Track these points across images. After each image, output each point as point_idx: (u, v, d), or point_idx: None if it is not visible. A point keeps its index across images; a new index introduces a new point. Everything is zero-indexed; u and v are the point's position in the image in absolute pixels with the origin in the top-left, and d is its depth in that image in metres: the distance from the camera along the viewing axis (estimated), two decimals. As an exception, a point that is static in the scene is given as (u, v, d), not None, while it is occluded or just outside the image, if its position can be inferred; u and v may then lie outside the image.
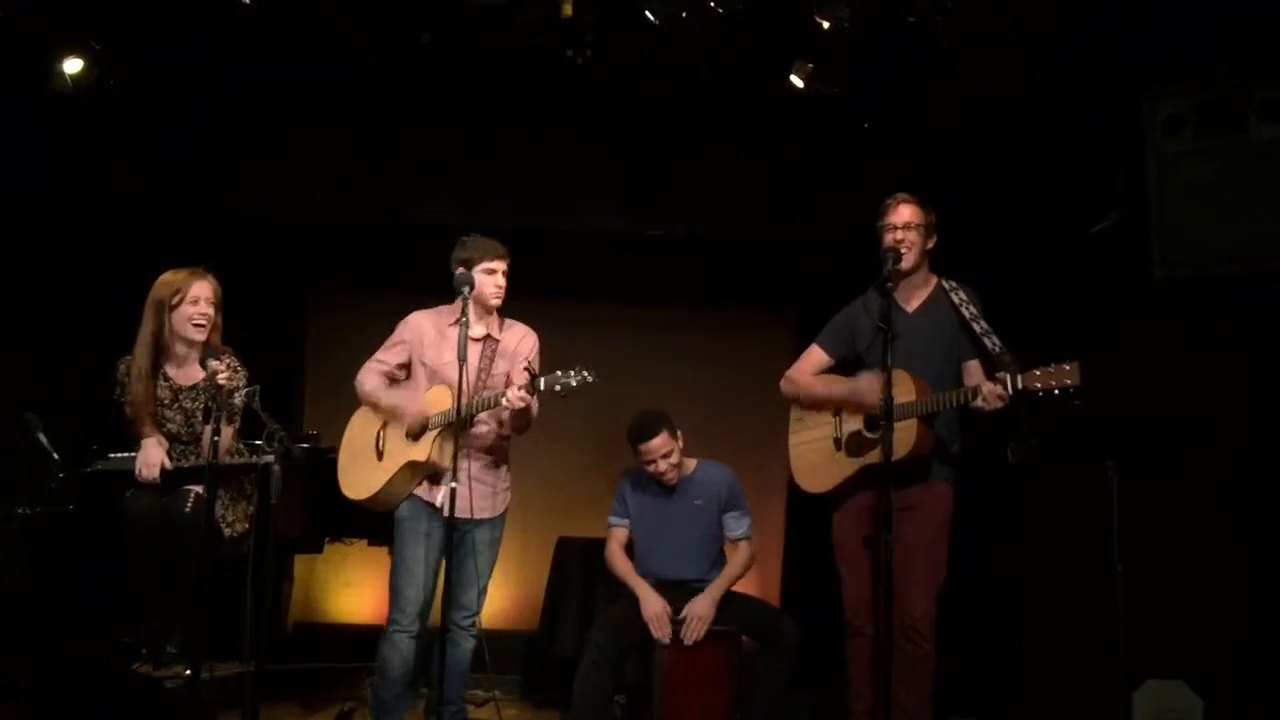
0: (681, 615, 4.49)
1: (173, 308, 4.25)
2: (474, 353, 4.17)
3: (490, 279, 4.19)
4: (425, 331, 4.29)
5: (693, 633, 4.45)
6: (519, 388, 3.99)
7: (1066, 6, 4.50)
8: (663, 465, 4.56)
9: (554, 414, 4.15)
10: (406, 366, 4.34)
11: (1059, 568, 4.87)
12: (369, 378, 4.33)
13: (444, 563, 3.92)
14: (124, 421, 4.32)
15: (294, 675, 5.47)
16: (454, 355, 4.01)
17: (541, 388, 4.01)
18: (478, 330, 4.20)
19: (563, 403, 4.09)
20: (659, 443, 4.53)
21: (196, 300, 4.24)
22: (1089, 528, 4.08)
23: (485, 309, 4.24)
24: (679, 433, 4.62)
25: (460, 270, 4.12)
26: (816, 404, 4.20)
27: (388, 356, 4.34)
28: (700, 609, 4.48)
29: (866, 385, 4.00)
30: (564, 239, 6.17)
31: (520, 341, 4.36)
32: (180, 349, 4.29)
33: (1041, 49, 4.60)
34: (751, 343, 6.58)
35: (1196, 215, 4.35)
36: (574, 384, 4.00)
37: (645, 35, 4.75)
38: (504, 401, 4.01)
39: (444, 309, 4.33)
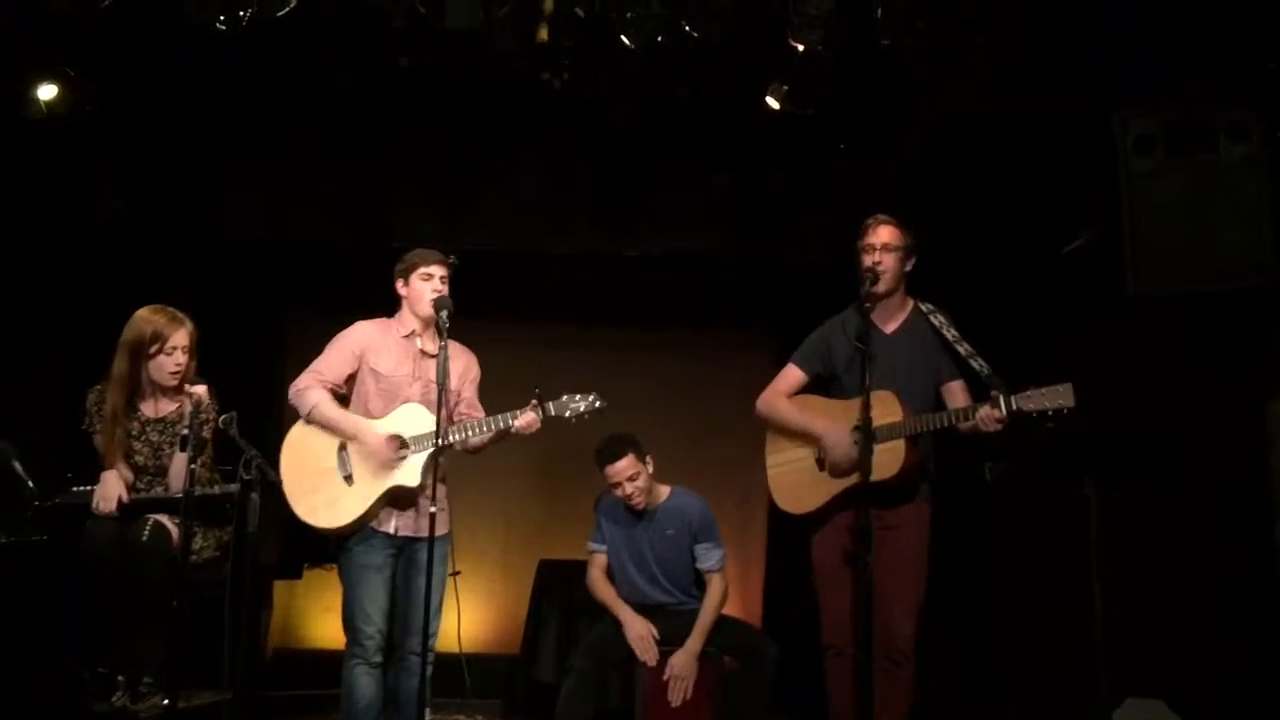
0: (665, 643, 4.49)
1: (151, 355, 4.23)
2: (428, 368, 4.13)
3: (427, 285, 4.14)
4: (374, 340, 4.20)
5: (678, 693, 4.43)
6: (529, 411, 3.96)
7: (1038, 28, 4.54)
8: (629, 488, 4.54)
9: (534, 437, 4.14)
10: (352, 377, 4.20)
11: (1037, 587, 4.88)
12: (319, 395, 4.12)
13: (415, 588, 3.91)
14: (95, 451, 4.29)
15: (273, 702, 5.43)
16: (409, 369, 4.10)
17: (552, 412, 3.99)
18: (431, 347, 4.14)
19: (543, 426, 4.08)
20: (624, 465, 4.51)
21: (174, 350, 4.23)
22: (1067, 546, 4.09)
23: (423, 319, 4.15)
24: (648, 457, 4.59)
25: (435, 295, 4.10)
26: (789, 433, 4.21)
27: (337, 368, 4.17)
28: (682, 669, 4.47)
29: (834, 442, 4.00)
30: (541, 261, 6.18)
31: (469, 362, 4.30)
32: (150, 389, 4.29)
33: (1013, 70, 4.64)
34: (729, 364, 6.60)
35: (1168, 233, 4.38)
36: (583, 409, 4.01)
37: (621, 59, 4.77)
38: (516, 425, 3.98)
39: (386, 320, 4.26)
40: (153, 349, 4.22)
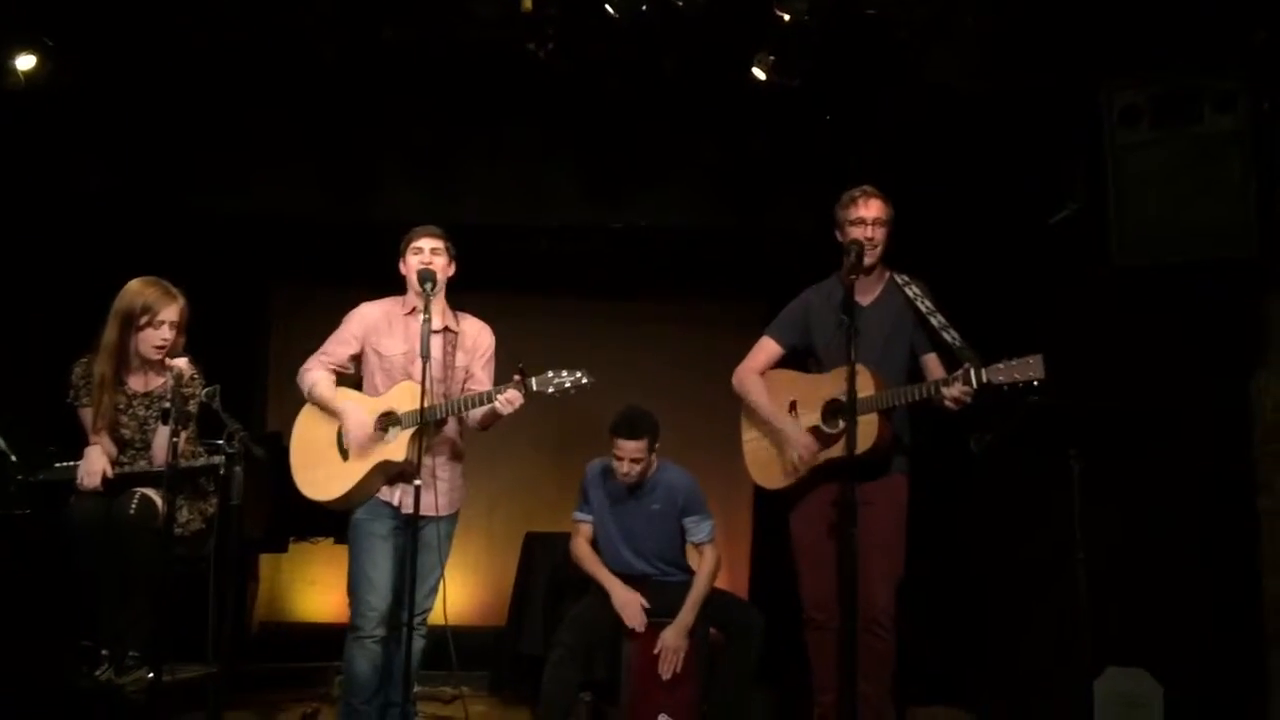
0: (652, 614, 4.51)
1: (139, 327, 4.22)
2: (435, 346, 4.10)
3: (416, 258, 4.15)
4: (376, 321, 4.23)
5: (668, 666, 4.45)
6: (511, 388, 3.92)
7: (1024, -1, 4.53)
8: (627, 466, 4.55)
9: (520, 410, 4.13)
10: (358, 358, 4.26)
11: (1021, 557, 4.90)
12: (317, 376, 4.21)
13: (406, 563, 3.89)
14: (78, 425, 4.28)
15: (259, 676, 5.44)
16: (409, 346, 4.07)
17: (534, 388, 3.95)
18: (436, 323, 4.09)
19: (529, 399, 4.07)
20: (636, 446, 4.51)
21: (162, 325, 4.21)
22: (1051, 517, 4.10)
23: (417, 294, 4.13)
24: (658, 445, 4.59)
25: (419, 267, 4.11)
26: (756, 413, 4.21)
27: (339, 351, 4.25)
28: (673, 641, 4.48)
29: (795, 435, 4.04)
30: (529, 234, 6.15)
31: (479, 335, 4.31)
32: (136, 361, 4.28)
33: (1000, 41, 4.62)
34: (717, 335, 6.57)
35: (1154, 205, 4.37)
36: (568, 385, 3.94)
37: (607, 28, 4.74)
38: (498, 402, 3.95)
39: (392, 299, 4.29)
40: (142, 320, 4.21)
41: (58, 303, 5.36)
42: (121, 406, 4.27)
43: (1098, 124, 4.48)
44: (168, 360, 4.09)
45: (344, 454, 4.17)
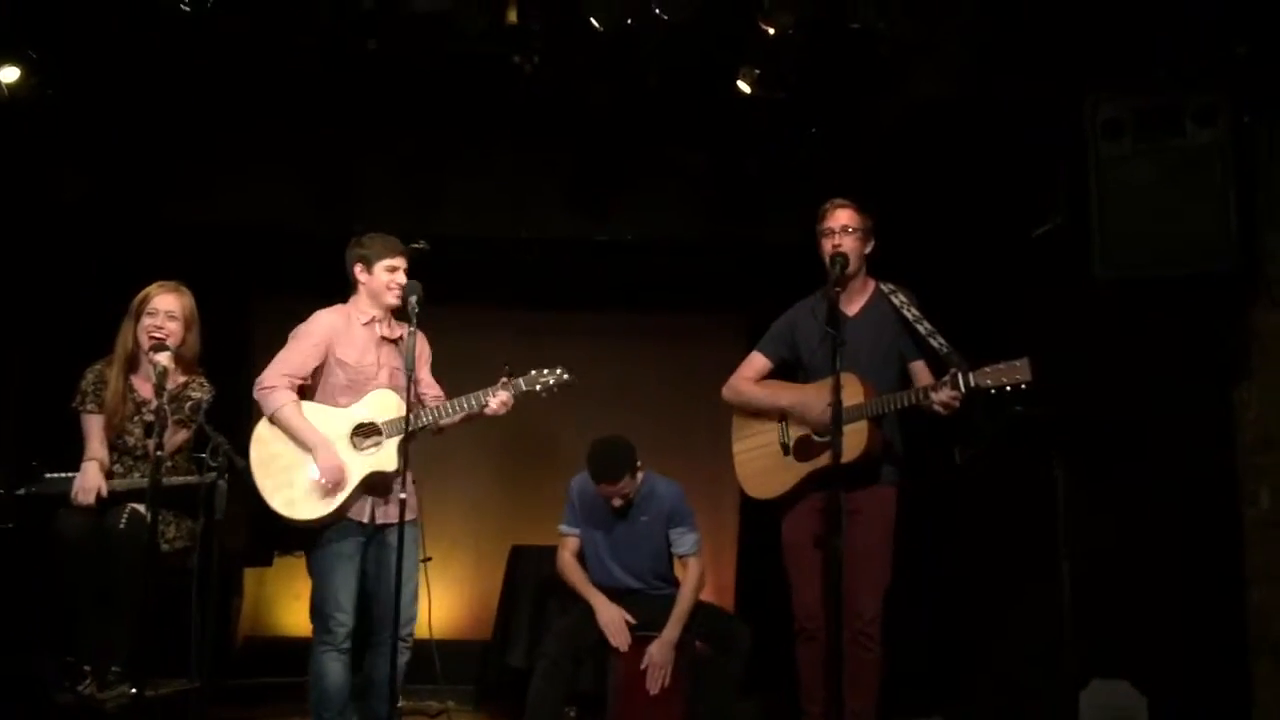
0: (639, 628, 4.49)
1: (136, 318, 4.21)
2: (391, 354, 4.17)
3: (392, 276, 4.13)
4: (337, 328, 4.17)
5: (656, 682, 4.44)
6: (502, 390, 4.01)
7: (1008, 12, 4.55)
8: (617, 500, 4.56)
9: (506, 421, 4.14)
10: (319, 369, 4.16)
11: (1005, 567, 4.91)
12: (282, 398, 4.04)
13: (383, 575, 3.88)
14: (78, 432, 4.23)
15: (243, 691, 5.40)
16: (373, 356, 4.13)
17: (523, 388, 4.03)
18: (389, 332, 4.18)
19: (515, 410, 4.08)
20: (618, 487, 4.51)
21: (155, 312, 4.19)
22: (1035, 527, 4.12)
23: (383, 307, 4.14)
24: (639, 464, 4.57)
25: (408, 281, 4.09)
26: (760, 412, 4.21)
27: (303, 363, 4.11)
28: (659, 656, 4.47)
29: (815, 397, 3.98)
30: (513, 245, 6.14)
31: (422, 342, 4.22)
32: (144, 361, 4.21)
33: (985, 54, 4.65)
34: (702, 347, 6.59)
35: (1136, 217, 4.40)
36: (552, 383, 4.07)
37: (591, 41, 4.74)
38: (489, 404, 4.02)
39: (344, 307, 4.23)
40: (138, 311, 4.21)
41: (39, 315, 5.33)
42: (129, 413, 4.24)
43: (1080, 137, 4.51)
44: (152, 355, 4.00)
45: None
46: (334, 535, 4.08)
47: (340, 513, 4.07)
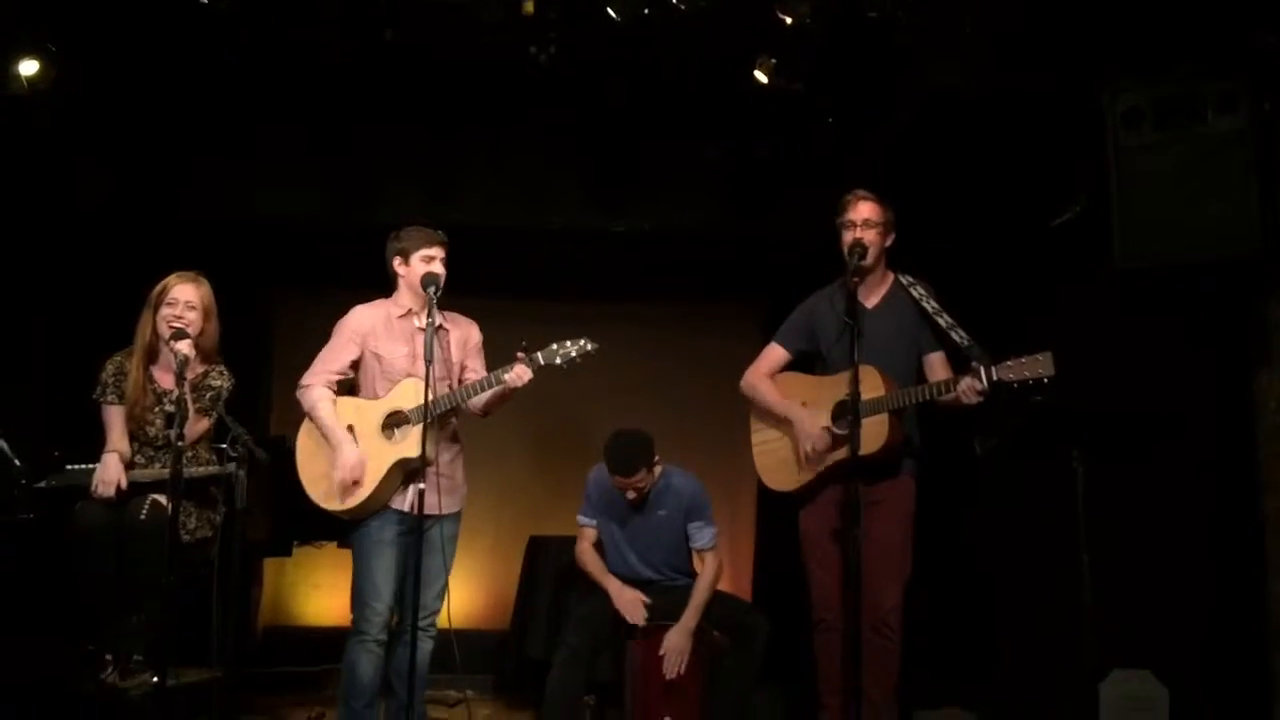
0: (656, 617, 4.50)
1: (155, 308, 4.24)
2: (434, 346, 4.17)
3: (428, 266, 4.16)
4: (374, 324, 4.23)
5: (673, 666, 4.44)
6: (519, 364, 3.98)
7: (1026, 1, 4.52)
8: (631, 493, 4.56)
9: (525, 411, 4.15)
10: (358, 362, 4.25)
11: (1025, 559, 4.90)
12: (317, 395, 4.17)
13: (413, 564, 3.88)
14: (99, 423, 4.27)
15: (263, 680, 5.44)
16: (409, 348, 4.12)
17: (542, 362, 3.99)
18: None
19: (533, 401, 4.08)
20: (634, 480, 4.51)
21: (175, 302, 4.22)
22: (1055, 519, 4.10)
23: (423, 298, 4.13)
24: (657, 459, 4.57)
25: (426, 271, 4.12)
26: (768, 412, 4.20)
27: (340, 359, 4.21)
28: (676, 642, 4.47)
29: (809, 427, 4.02)
30: (531, 237, 6.15)
31: (468, 329, 4.35)
32: (164, 351, 4.24)
33: (1003, 43, 4.62)
34: (719, 338, 6.60)
35: (1157, 207, 4.37)
36: (574, 354, 4.00)
37: (608, 32, 4.74)
38: (507, 379, 3.99)
39: (382, 302, 4.30)
40: (157, 300, 4.24)
41: (60, 308, 5.36)
42: (150, 403, 4.27)
43: (1100, 126, 4.48)
44: (174, 343, 4.02)
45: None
46: (375, 521, 4.13)
47: (373, 504, 4.11)
